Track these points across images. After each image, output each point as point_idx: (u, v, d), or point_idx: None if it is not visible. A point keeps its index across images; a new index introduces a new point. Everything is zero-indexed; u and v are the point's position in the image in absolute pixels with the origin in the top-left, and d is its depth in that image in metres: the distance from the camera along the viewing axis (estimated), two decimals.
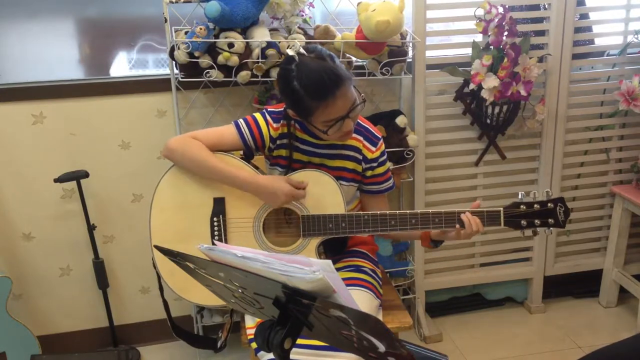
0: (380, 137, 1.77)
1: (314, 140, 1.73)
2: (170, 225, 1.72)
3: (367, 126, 1.76)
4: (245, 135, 1.72)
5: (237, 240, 1.71)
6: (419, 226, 1.65)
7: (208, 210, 1.71)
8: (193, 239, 1.68)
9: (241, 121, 1.73)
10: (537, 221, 1.63)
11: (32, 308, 2.43)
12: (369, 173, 1.76)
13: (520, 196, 1.64)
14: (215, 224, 1.72)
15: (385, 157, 1.78)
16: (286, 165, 1.75)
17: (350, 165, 1.74)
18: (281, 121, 1.73)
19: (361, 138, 1.74)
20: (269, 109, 1.75)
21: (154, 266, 1.72)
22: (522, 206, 1.63)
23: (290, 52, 1.57)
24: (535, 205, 1.62)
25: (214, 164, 1.66)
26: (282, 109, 1.73)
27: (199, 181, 1.71)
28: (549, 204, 1.62)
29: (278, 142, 1.74)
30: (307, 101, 1.54)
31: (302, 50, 1.58)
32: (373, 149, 1.74)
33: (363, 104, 1.61)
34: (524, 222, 1.63)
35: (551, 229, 1.64)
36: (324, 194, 1.68)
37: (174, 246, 1.25)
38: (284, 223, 1.77)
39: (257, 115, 1.74)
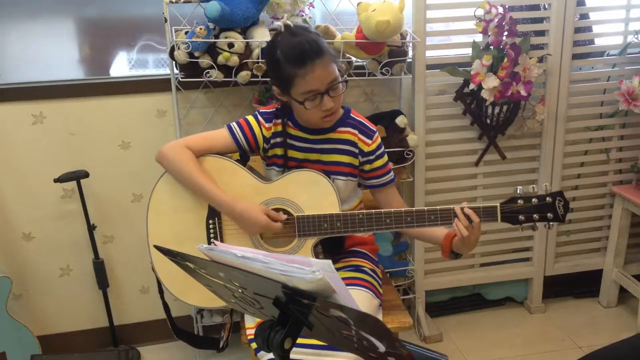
0: (375, 130, 1.76)
1: (308, 135, 1.73)
2: (167, 229, 1.72)
3: (361, 120, 1.76)
4: (239, 139, 1.73)
5: (233, 242, 1.70)
6: (414, 224, 1.63)
7: (203, 213, 1.71)
8: (189, 242, 1.67)
9: (234, 125, 1.74)
10: (535, 216, 1.59)
11: (32, 308, 2.43)
12: (367, 167, 1.76)
13: (518, 190, 1.60)
14: (211, 226, 1.72)
15: (382, 149, 1.77)
16: (282, 164, 1.75)
17: (346, 159, 1.74)
18: (273, 120, 1.73)
19: (356, 131, 1.73)
20: (260, 110, 1.76)
21: (153, 270, 1.73)
22: (519, 201, 1.59)
23: (278, 24, 1.60)
24: (534, 200, 1.59)
25: (197, 181, 1.66)
26: (273, 109, 1.74)
27: None
28: (548, 198, 1.58)
29: (272, 141, 1.74)
30: (286, 69, 1.57)
31: (288, 22, 1.61)
32: (369, 141, 1.74)
33: (345, 85, 1.62)
34: (522, 217, 1.60)
35: (551, 223, 1.60)
36: (318, 194, 1.68)
37: None
38: None
39: (250, 118, 1.75)
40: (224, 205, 1.66)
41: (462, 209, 1.58)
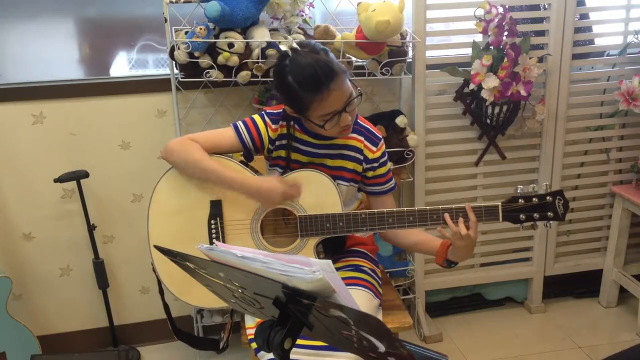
0: (381, 137, 1.76)
1: (314, 140, 1.73)
2: (168, 229, 1.72)
3: (368, 126, 1.76)
4: (244, 138, 1.72)
5: (235, 242, 1.70)
6: (416, 223, 1.64)
7: (205, 213, 1.71)
8: (191, 242, 1.67)
9: (240, 123, 1.73)
10: (536, 215, 1.61)
11: (32, 308, 2.43)
12: (370, 174, 1.76)
13: (518, 190, 1.62)
14: (213, 226, 1.71)
15: (386, 157, 1.78)
16: (285, 166, 1.75)
17: (350, 165, 1.74)
18: (280, 122, 1.72)
19: (362, 138, 1.73)
20: (267, 111, 1.75)
21: (154, 270, 1.72)
22: (520, 200, 1.61)
23: (283, 48, 1.57)
24: (534, 199, 1.61)
25: (208, 165, 1.65)
26: (280, 110, 1.73)
27: (196, 184, 1.71)
28: (548, 197, 1.60)
29: (277, 143, 1.74)
30: (302, 95, 1.54)
31: (295, 46, 1.57)
32: (374, 149, 1.74)
33: (360, 98, 1.61)
34: (522, 216, 1.62)
35: (551, 222, 1.63)
36: (321, 194, 1.67)
37: None
38: (281, 224, 1.77)
39: (256, 117, 1.74)
40: (241, 184, 1.65)
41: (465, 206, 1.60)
